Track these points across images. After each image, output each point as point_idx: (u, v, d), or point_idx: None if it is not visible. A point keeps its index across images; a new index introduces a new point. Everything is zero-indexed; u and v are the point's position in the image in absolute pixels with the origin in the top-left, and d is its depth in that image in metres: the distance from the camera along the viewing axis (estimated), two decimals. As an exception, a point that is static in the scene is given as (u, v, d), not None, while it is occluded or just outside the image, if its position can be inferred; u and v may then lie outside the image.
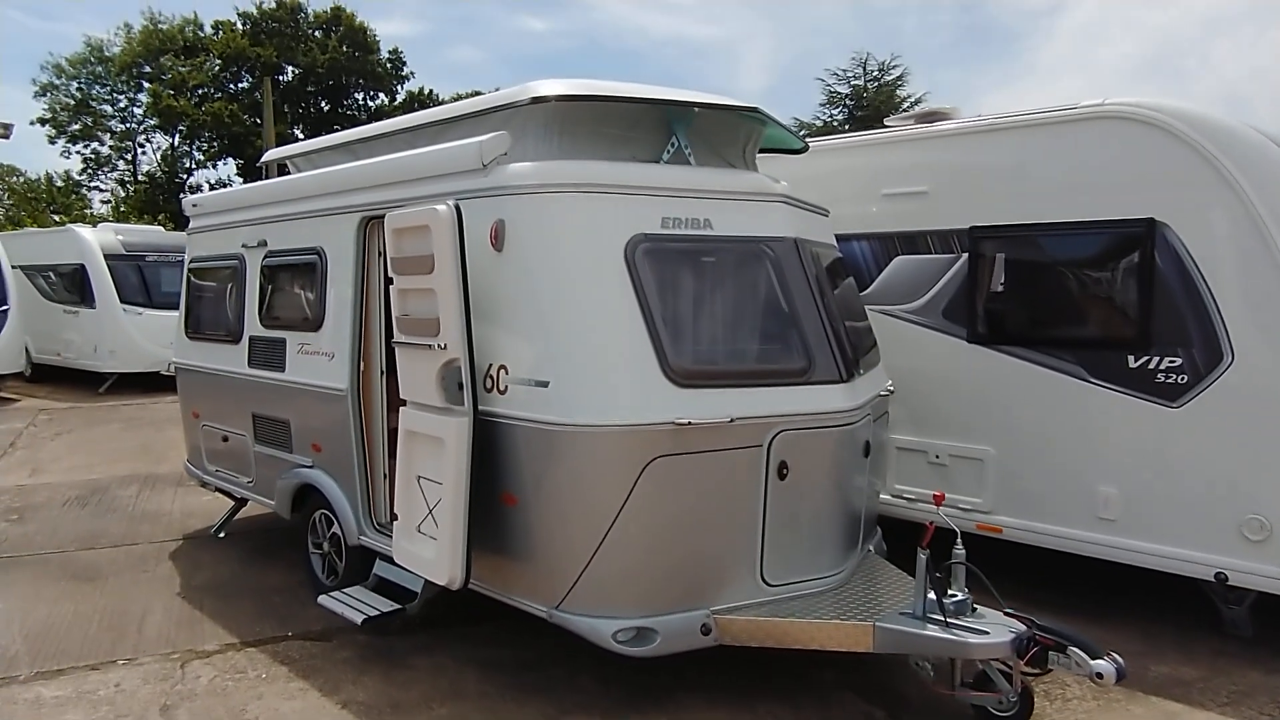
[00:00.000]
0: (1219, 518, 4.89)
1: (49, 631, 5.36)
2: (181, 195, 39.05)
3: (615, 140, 4.74)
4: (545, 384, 4.09)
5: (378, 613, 4.89)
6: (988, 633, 3.97)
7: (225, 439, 6.70)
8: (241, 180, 39.79)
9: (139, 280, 15.86)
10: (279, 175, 7.25)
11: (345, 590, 5.25)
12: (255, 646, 5.15)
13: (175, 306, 15.97)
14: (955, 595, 4.14)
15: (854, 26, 55.86)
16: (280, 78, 37.80)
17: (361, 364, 5.32)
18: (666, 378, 4.06)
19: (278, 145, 27.15)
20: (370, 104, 40.99)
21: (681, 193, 4.39)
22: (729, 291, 4.49)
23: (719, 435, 4.10)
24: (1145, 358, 5.08)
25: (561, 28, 72.36)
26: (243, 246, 6.36)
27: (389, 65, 40.58)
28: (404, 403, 4.66)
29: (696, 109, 4.85)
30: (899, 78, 30.42)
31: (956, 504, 5.79)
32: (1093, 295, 5.37)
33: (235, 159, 38.65)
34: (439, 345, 4.24)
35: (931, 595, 4.09)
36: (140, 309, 15.65)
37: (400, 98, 40.66)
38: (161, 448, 10.93)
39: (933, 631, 4.01)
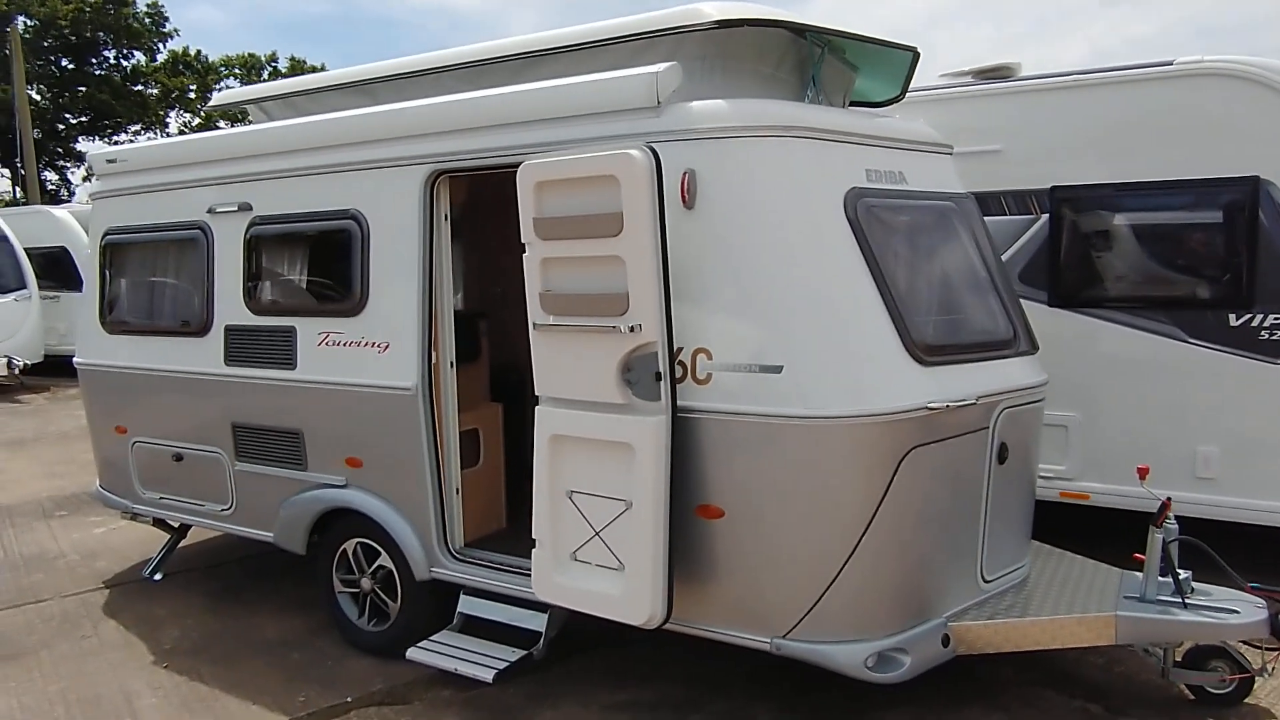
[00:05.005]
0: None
1: (4, 739, 3.95)
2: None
3: (766, 80, 4.05)
4: (777, 369, 3.36)
5: (506, 664, 3.95)
6: (1238, 611, 3.74)
7: (178, 458, 5.29)
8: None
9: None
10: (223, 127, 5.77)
11: (434, 639, 4.22)
12: (318, 724, 4.03)
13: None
14: (1181, 574, 3.88)
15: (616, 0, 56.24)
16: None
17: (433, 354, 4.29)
18: (910, 355, 3.47)
19: (28, 105, 23.11)
20: (125, 63, 36.17)
21: (880, 141, 3.81)
22: (934, 253, 3.96)
23: (957, 418, 3.57)
24: (1248, 316, 5.08)
25: (315, -10, 67.19)
26: (209, 212, 4.98)
27: (148, 20, 35.89)
28: (535, 400, 3.76)
29: (833, 45, 4.24)
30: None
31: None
32: (1190, 255, 5.31)
33: (-42, 122, 32.70)
34: (627, 328, 3.39)
35: (1164, 578, 3.81)
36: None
37: (161, 57, 36.26)
38: (-10, 471, 8.80)
39: (1181, 616, 3.73)
